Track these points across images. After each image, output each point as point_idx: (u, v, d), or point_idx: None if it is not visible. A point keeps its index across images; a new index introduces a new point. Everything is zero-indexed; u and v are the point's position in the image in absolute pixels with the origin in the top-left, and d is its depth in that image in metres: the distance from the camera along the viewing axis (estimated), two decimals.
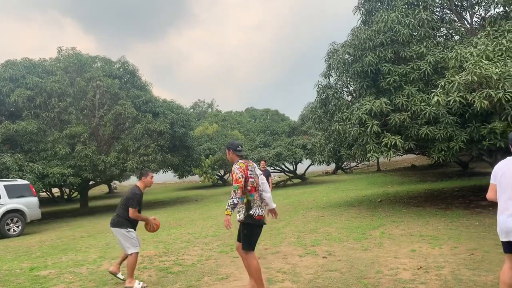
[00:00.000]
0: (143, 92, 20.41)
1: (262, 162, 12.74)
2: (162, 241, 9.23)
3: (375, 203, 12.96)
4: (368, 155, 10.33)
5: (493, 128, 8.66)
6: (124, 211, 5.75)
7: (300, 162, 27.42)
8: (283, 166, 27.86)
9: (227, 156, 5.04)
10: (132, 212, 5.67)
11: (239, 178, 4.62)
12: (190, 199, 23.29)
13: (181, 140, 21.27)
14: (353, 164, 34.00)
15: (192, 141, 23.25)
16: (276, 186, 26.51)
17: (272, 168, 26.10)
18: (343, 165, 34.34)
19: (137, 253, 5.79)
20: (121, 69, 20.67)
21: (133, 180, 36.16)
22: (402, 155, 17.81)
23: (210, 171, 29.34)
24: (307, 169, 28.89)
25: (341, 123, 10.90)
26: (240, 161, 4.83)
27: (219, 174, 33.71)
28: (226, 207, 4.53)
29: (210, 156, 28.74)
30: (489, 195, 4.02)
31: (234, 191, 4.59)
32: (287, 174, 29.13)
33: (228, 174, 34.82)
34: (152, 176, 6.02)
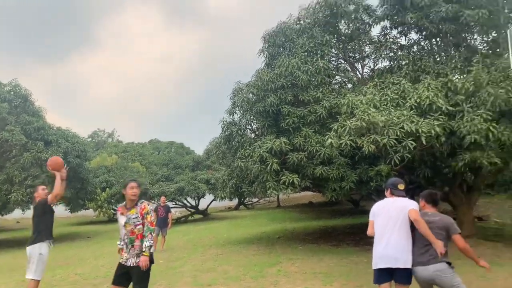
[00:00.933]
0: (36, 118, 18.87)
1: (162, 197, 12.39)
2: (45, 282, 8.35)
3: (273, 240, 13.20)
4: (268, 191, 10.59)
5: (379, 170, 9.43)
6: (35, 224, 6.02)
7: (203, 197, 27.18)
8: (185, 201, 27.34)
9: (131, 190, 4.78)
10: (52, 197, 5.99)
11: (154, 221, 4.81)
12: (82, 235, 21.65)
13: (75, 171, 19.84)
14: (254, 200, 34.53)
15: (88, 172, 21.88)
16: (177, 222, 25.82)
17: (173, 203, 25.48)
18: (245, 201, 34.72)
19: (39, 281, 5.82)
20: (12, 93, 18.96)
21: (17, 213, 32.66)
22: (300, 192, 18.53)
23: (106, 205, 27.68)
24: (209, 204, 28.69)
25: (243, 160, 11.08)
26: (145, 201, 4.89)
27: (115, 208, 31.94)
28: (144, 249, 4.64)
29: (107, 189, 27.19)
30: (369, 231, 4.60)
31: (151, 233, 4.72)
32: (189, 209, 28.61)
33: None
34: (43, 188, 6.31)
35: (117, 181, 27.34)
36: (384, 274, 4.33)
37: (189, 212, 28.62)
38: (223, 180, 13.72)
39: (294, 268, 8.47)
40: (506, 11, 10.62)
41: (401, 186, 4.65)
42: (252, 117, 12.30)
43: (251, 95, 11.69)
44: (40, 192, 6.21)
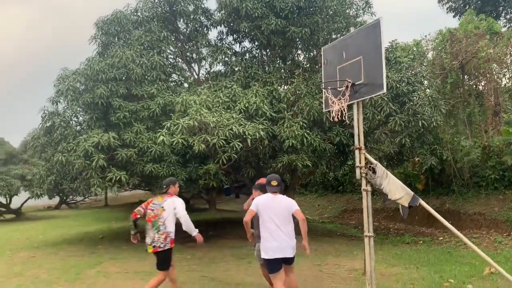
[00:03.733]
0: None
1: None
2: None
3: (96, 240, 12.43)
4: (92, 189, 10.00)
5: (208, 169, 9.72)
6: None
7: (17, 195, 24.01)
8: None
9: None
10: None
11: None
12: None
13: None
14: (79, 198, 32.04)
15: None
16: None
17: None
18: (68, 199, 31.95)
19: None
20: None
21: None
22: (130, 190, 17.88)
23: None
24: (24, 203, 25.50)
25: (65, 154, 10.18)
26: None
27: None
28: None
29: None
30: (246, 219, 4.99)
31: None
32: None
33: None
34: None
35: None
36: (279, 262, 4.86)
37: None
38: (40, 176, 12.35)
39: (115, 268, 8.10)
40: (324, 32, 12.08)
41: (274, 183, 4.98)
42: (79, 108, 11.41)
43: (78, 84, 10.81)
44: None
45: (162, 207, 5.60)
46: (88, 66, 10.76)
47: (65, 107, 11.69)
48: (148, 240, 5.62)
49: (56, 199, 30.33)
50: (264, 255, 4.91)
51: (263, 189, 5.20)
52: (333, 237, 12.49)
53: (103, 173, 9.68)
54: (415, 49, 15.44)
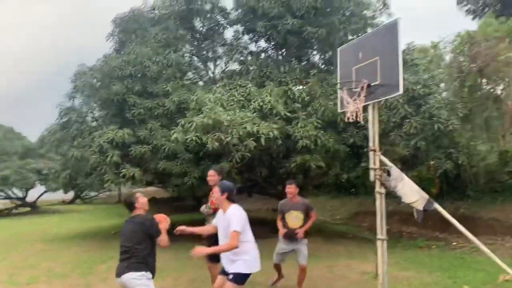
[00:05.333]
0: None
1: None
2: None
3: (108, 236, 12.55)
4: (106, 184, 10.08)
5: (221, 167, 9.71)
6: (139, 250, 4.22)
7: (32, 189, 24.39)
8: (10, 192, 24.18)
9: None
10: (164, 241, 4.42)
11: None
12: None
13: None
14: (93, 193, 32.38)
15: None
16: None
17: None
18: (83, 194, 32.33)
19: None
20: None
21: None
22: (144, 187, 17.99)
23: None
24: (39, 196, 25.87)
25: (80, 149, 10.30)
26: None
27: None
28: None
29: None
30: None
31: None
32: (14, 201, 25.39)
33: None
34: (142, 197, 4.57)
35: None
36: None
37: (14, 205, 25.38)
38: (56, 170, 12.56)
39: None
40: (341, 33, 12.00)
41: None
42: (95, 104, 11.56)
43: (95, 80, 10.94)
44: (141, 202, 4.47)
45: None
46: (105, 62, 10.90)
47: (82, 103, 11.86)
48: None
49: (71, 194, 30.70)
50: (251, 270, 4.39)
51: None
52: (345, 239, 12.41)
53: (117, 169, 9.76)
54: (432, 51, 15.26)
